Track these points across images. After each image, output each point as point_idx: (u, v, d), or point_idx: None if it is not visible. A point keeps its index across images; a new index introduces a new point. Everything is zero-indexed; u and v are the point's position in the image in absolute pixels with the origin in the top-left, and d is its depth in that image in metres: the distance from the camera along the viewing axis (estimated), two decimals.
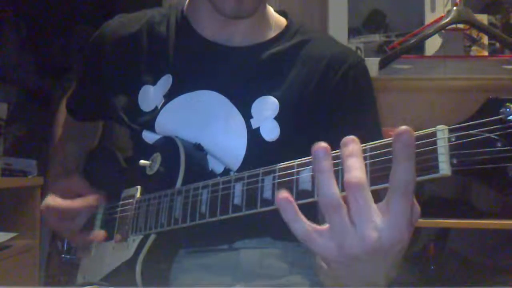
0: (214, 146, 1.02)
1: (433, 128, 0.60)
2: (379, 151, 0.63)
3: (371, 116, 1.07)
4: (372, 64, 1.93)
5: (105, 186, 1.10)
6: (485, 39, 2.05)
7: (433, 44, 2.06)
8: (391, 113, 2.03)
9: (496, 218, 1.86)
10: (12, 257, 2.23)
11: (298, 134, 1.01)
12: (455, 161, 0.58)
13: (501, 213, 1.94)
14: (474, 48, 2.03)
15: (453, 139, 0.58)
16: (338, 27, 2.07)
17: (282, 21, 1.11)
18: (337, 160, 0.65)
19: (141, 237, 0.96)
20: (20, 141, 2.81)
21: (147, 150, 1.04)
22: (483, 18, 2.04)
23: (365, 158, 0.63)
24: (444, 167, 0.58)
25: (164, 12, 1.14)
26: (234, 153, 1.01)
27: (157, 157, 1.01)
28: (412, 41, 1.95)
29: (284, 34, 1.09)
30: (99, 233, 1.05)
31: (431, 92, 2.28)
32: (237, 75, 1.04)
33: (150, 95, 1.06)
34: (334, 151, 0.65)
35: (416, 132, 0.60)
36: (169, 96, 1.05)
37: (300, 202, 0.71)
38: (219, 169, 1.03)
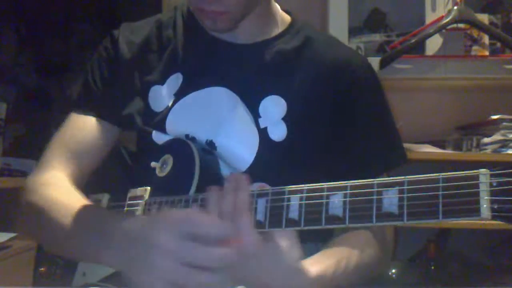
0: (227, 144, 1.02)
1: (475, 171, 0.60)
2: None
3: (384, 115, 1.09)
4: (373, 63, 1.93)
5: (110, 183, 1.09)
6: (486, 39, 2.04)
7: (433, 44, 2.05)
8: None
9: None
10: (12, 257, 2.23)
11: (305, 136, 1.02)
12: (496, 206, 0.59)
13: None
14: (474, 48, 2.03)
15: (495, 184, 0.59)
16: (338, 27, 2.07)
17: (287, 18, 1.12)
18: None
19: None
20: (20, 141, 2.81)
21: (156, 151, 1.03)
22: (484, 18, 2.03)
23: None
24: (485, 212, 0.59)
25: (169, 14, 1.15)
26: (245, 153, 1.01)
27: (169, 159, 0.99)
28: (413, 40, 1.95)
29: (288, 30, 1.09)
30: None
31: (431, 92, 2.27)
32: (244, 72, 1.05)
33: (161, 95, 1.07)
34: None
35: (458, 173, 0.62)
36: (180, 94, 1.06)
37: (328, 227, 0.71)
38: (226, 172, 1.02)
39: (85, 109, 1.09)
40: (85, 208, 0.86)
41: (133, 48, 1.11)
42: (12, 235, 2.24)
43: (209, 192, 0.79)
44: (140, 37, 1.12)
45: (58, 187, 0.96)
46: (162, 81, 1.07)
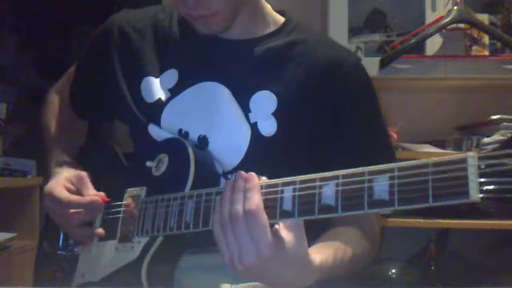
0: (220, 139, 1.02)
1: (463, 154, 0.61)
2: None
3: (374, 115, 1.08)
4: (373, 63, 1.93)
5: (105, 183, 1.09)
6: (486, 39, 2.04)
7: (433, 44, 2.05)
8: (391, 113, 2.02)
9: (496, 218, 1.86)
10: (11, 257, 2.23)
11: (295, 131, 1.03)
12: (484, 188, 0.59)
13: (500, 213, 1.94)
14: (474, 48, 2.03)
15: (483, 167, 0.59)
16: (338, 27, 2.07)
17: (280, 18, 1.13)
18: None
19: (147, 239, 0.96)
20: (20, 141, 2.81)
21: (151, 148, 1.04)
22: (484, 18, 2.03)
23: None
24: (474, 194, 0.59)
25: (167, 9, 1.16)
26: (237, 148, 1.02)
27: (164, 158, 1.00)
28: (413, 40, 1.95)
29: (281, 30, 1.10)
30: (100, 231, 1.03)
31: (431, 92, 2.27)
32: (236, 67, 1.06)
33: (153, 87, 1.08)
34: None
35: (447, 157, 0.62)
36: (175, 91, 1.06)
37: (321, 216, 0.72)
38: (219, 167, 1.03)
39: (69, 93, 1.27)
40: (51, 143, 1.23)
41: (127, 38, 1.13)
42: (12, 235, 2.24)
43: (224, 187, 0.81)
44: (136, 28, 1.14)
45: (51, 109, 1.30)
46: (156, 74, 1.08)
